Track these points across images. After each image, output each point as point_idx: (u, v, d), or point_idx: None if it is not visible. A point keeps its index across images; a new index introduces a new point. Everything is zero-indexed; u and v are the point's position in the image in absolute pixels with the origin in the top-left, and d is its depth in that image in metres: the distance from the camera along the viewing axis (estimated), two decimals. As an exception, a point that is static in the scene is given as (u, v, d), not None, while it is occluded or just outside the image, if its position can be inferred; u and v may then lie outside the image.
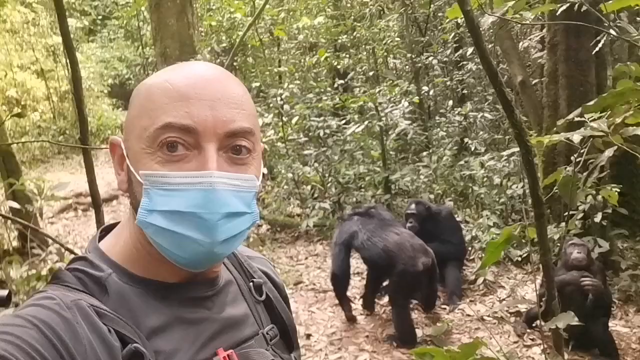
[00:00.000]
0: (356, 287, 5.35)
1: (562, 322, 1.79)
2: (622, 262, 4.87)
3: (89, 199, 8.45)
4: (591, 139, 1.94)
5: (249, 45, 8.74)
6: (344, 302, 4.75)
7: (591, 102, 1.19)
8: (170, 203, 0.75)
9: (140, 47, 11.55)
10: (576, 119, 2.03)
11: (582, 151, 1.81)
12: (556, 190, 1.96)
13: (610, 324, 4.10)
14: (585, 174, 1.78)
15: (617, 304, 4.60)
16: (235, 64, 7.92)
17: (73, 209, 7.97)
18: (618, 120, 1.50)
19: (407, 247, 4.32)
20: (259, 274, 0.99)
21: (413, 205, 5.14)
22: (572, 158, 2.72)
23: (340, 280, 4.69)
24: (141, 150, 0.77)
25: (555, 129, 2.03)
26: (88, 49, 17.25)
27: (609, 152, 1.59)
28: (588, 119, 1.92)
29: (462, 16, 1.77)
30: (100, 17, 19.01)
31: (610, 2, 1.53)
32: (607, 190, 2.03)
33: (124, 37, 18.41)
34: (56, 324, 0.70)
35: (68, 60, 1.19)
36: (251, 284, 0.95)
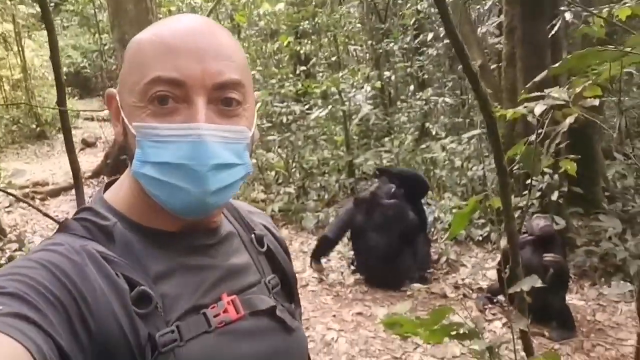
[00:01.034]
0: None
1: (526, 285, 1.85)
2: (578, 239, 5.06)
3: (47, 187, 8.26)
4: (551, 110, 2.01)
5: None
6: (317, 260, 5.12)
7: (556, 65, 1.25)
8: (161, 155, 0.76)
9: (97, 34, 11.26)
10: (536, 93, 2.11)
11: (544, 122, 1.88)
12: (519, 165, 2.04)
13: (567, 297, 4.27)
14: (547, 141, 1.85)
15: (573, 279, 4.78)
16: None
17: (30, 197, 7.77)
18: (578, 90, 1.57)
19: None
20: (260, 227, 1.01)
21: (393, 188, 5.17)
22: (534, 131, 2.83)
23: (328, 243, 5.11)
24: (133, 103, 0.78)
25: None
26: (41, 37, 16.69)
27: (569, 120, 1.67)
28: (548, 92, 1.99)
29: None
30: (52, 4, 18.39)
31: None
32: (567, 161, 2.11)
33: (78, 25, 17.89)
34: (65, 266, 0.72)
35: (45, 26, 1.17)
36: (253, 235, 0.97)
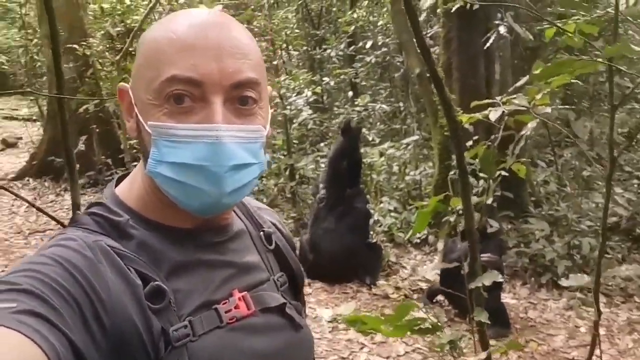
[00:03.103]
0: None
1: (487, 280, 1.95)
2: (509, 240, 5.34)
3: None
4: (506, 117, 2.13)
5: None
6: None
7: (537, 71, 1.34)
8: (178, 155, 0.76)
9: (22, 29, 10.70)
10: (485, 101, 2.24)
11: (500, 127, 2.00)
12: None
13: (501, 296, 4.50)
14: (511, 145, 1.97)
15: (505, 279, 5.04)
16: (131, 49, 7.61)
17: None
18: (538, 96, 1.69)
19: None
20: (269, 224, 1.01)
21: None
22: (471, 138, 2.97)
23: None
24: (148, 101, 0.77)
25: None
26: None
27: (532, 124, 1.79)
28: (501, 100, 2.12)
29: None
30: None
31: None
32: (518, 164, 2.24)
33: (-2, 18, 16.90)
34: (79, 262, 0.71)
35: (47, 14, 1.13)
36: (261, 233, 0.98)
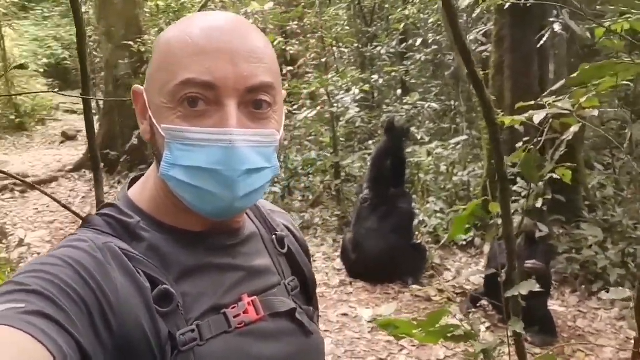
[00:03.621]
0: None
1: (523, 289, 1.89)
2: (560, 246, 5.16)
3: (27, 180, 8.09)
4: (550, 120, 2.05)
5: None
6: None
7: (574, 75, 1.28)
8: (192, 158, 0.75)
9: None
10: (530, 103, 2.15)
11: (544, 130, 1.92)
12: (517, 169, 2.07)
13: (548, 303, 4.35)
14: (551, 150, 1.89)
15: (554, 285, 4.87)
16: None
17: (9, 190, 7.63)
18: (582, 100, 1.62)
19: None
20: (282, 227, 1.00)
21: None
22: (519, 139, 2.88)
23: None
24: (162, 104, 0.77)
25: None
26: (22, 26, 16.42)
27: (574, 129, 1.71)
28: (546, 102, 2.04)
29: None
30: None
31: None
32: (563, 169, 2.15)
33: (61, 16, 17.60)
34: (89, 264, 0.72)
35: (73, 15, 1.17)
36: (274, 236, 0.97)
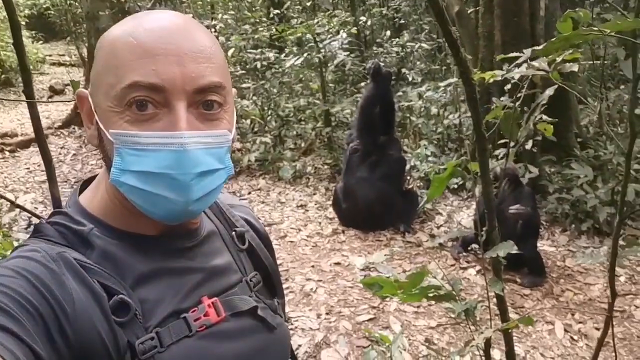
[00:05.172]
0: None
1: (502, 251, 1.89)
2: (550, 186, 5.17)
3: (15, 139, 8.05)
4: (530, 76, 2.00)
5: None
6: None
7: (540, 47, 1.24)
8: (142, 163, 0.74)
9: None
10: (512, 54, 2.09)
11: (522, 88, 1.88)
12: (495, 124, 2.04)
13: (538, 243, 4.41)
14: (527, 112, 1.86)
15: (544, 226, 4.92)
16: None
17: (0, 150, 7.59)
18: (558, 59, 1.57)
19: None
20: (241, 222, 1.00)
21: None
22: (507, 91, 2.83)
23: None
24: (109, 108, 0.75)
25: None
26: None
27: (549, 91, 1.67)
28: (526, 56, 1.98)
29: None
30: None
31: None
32: (544, 124, 2.12)
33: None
34: (43, 275, 0.71)
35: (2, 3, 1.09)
36: (233, 233, 0.97)
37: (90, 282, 0.74)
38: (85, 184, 0.90)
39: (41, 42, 15.22)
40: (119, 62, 0.74)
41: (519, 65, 1.86)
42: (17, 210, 4.72)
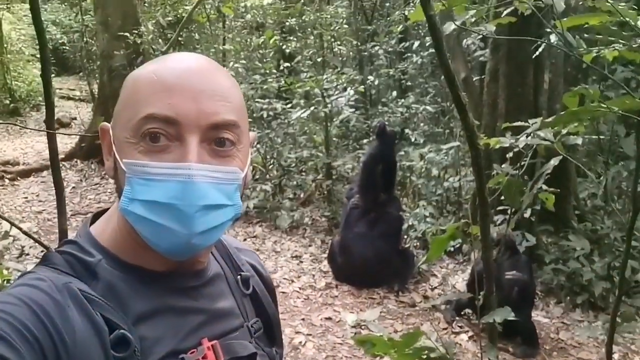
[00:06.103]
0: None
1: (498, 317, 1.89)
2: (547, 256, 5.16)
3: (17, 167, 8.08)
4: (535, 145, 2.04)
5: (194, 21, 8.56)
6: None
7: (549, 119, 1.27)
8: (150, 193, 0.75)
9: (80, 15, 11.05)
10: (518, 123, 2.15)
11: (526, 156, 1.91)
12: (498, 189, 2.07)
13: (532, 314, 4.37)
14: (531, 182, 1.89)
15: (539, 296, 4.88)
16: (180, 39, 7.73)
17: (0, 177, 7.59)
18: (564, 131, 1.61)
19: None
20: (247, 267, 1.00)
21: None
22: (508, 158, 2.88)
23: None
24: (125, 139, 0.77)
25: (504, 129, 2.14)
26: (20, 10, 16.30)
27: (554, 161, 1.70)
28: (533, 127, 2.03)
29: (425, 19, 1.82)
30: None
31: (565, 19, 1.63)
32: (545, 194, 2.15)
33: (60, 1, 17.51)
34: (47, 305, 0.71)
35: (38, 39, 1.13)
36: (239, 277, 0.97)
37: (93, 314, 0.74)
38: (98, 215, 0.91)
39: (53, 75, 15.47)
40: (139, 97, 0.77)
41: (526, 135, 1.91)
42: (10, 238, 4.69)
